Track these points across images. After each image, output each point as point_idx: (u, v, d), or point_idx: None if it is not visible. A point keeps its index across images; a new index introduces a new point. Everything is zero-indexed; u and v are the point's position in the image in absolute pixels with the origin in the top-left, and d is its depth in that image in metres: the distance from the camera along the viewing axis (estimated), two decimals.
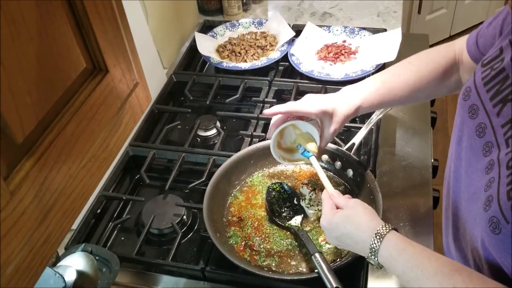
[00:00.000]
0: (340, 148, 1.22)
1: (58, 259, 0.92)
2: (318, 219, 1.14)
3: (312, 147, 1.05)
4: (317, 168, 1.04)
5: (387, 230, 0.83)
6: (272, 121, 1.08)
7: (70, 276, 0.82)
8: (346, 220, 0.89)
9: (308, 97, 1.06)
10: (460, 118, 0.87)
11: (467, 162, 0.83)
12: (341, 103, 1.04)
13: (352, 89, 1.07)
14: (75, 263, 0.87)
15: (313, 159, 1.05)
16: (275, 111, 1.04)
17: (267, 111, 1.06)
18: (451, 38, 3.61)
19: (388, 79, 1.07)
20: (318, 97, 1.05)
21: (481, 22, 0.98)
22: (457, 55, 1.04)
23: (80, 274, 0.84)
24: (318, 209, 1.15)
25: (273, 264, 1.07)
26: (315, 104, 1.02)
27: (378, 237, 0.83)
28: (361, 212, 0.89)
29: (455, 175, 0.89)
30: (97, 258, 0.96)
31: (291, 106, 1.04)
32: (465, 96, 0.85)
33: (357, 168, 1.18)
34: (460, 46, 1.03)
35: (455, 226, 0.91)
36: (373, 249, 0.83)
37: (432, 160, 1.33)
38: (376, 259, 0.83)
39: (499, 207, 0.70)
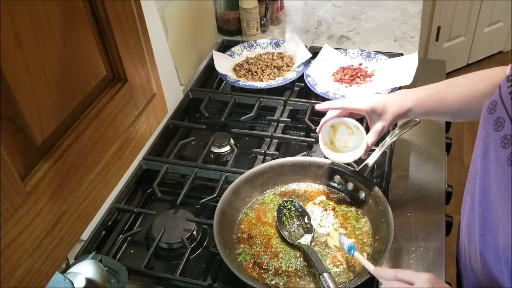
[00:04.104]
0: (353, 169, 1.22)
1: (68, 266, 0.93)
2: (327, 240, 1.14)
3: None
4: (361, 259, 1.02)
5: None
6: (323, 119, 1.12)
7: (79, 283, 0.83)
8: None
9: (358, 94, 1.08)
10: (484, 131, 0.88)
11: (494, 173, 0.84)
12: (392, 102, 1.06)
13: (406, 91, 1.10)
14: (84, 271, 0.87)
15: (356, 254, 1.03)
16: (328, 106, 1.07)
17: (319, 106, 1.09)
18: (469, 66, 3.60)
19: (442, 88, 1.09)
20: (368, 95, 1.08)
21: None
22: None
23: (89, 281, 0.85)
24: (328, 230, 1.15)
25: (281, 283, 1.07)
26: (366, 101, 1.05)
27: None
28: None
29: (483, 189, 0.88)
30: (106, 268, 0.96)
31: (342, 102, 1.06)
32: (490, 110, 0.86)
33: (370, 190, 1.18)
34: None
35: (482, 239, 0.90)
36: None
37: (446, 186, 1.32)
38: None
39: None
